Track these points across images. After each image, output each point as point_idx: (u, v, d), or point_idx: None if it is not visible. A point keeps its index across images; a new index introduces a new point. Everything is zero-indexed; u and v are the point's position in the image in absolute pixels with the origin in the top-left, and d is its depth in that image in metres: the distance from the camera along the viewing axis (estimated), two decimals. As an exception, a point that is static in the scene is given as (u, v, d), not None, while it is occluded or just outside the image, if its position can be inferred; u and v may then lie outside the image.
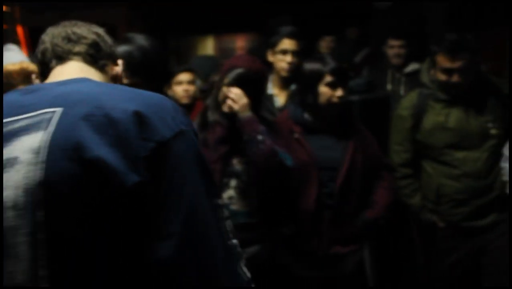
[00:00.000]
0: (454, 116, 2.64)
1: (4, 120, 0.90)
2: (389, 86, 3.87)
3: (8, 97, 0.97)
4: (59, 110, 0.88)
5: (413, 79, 3.83)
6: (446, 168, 2.70)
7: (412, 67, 3.91)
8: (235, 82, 2.25)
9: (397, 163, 2.90)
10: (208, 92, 2.85)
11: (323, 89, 2.43)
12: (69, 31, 1.14)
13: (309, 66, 2.51)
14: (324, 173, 2.44)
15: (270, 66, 2.98)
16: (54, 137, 0.86)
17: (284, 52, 2.91)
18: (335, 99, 2.43)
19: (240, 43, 7.98)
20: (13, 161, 0.86)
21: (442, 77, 2.62)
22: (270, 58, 2.98)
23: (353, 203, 2.48)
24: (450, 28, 4.40)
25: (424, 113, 2.75)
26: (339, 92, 2.43)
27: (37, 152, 0.85)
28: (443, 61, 2.59)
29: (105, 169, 0.82)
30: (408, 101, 2.88)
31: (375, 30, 4.74)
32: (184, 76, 3.35)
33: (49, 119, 0.87)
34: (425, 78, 2.81)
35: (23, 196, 0.84)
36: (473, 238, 2.71)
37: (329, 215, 2.43)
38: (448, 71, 2.59)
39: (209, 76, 3.65)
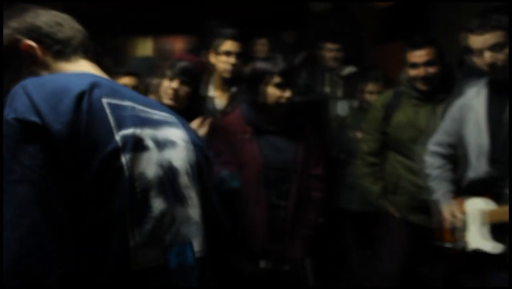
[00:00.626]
0: (423, 114, 2.80)
1: (134, 105, 1.12)
2: (327, 89, 3.96)
3: (104, 81, 1.10)
4: (171, 117, 1.24)
5: (350, 82, 3.96)
6: (408, 161, 2.85)
7: (348, 70, 4.02)
8: (179, 75, 2.25)
9: (364, 151, 3.11)
10: (142, 93, 2.82)
11: (272, 90, 2.45)
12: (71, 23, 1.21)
13: (259, 66, 2.52)
14: (274, 173, 2.47)
15: (206, 68, 3.00)
16: (189, 134, 1.24)
17: (228, 53, 2.92)
18: (283, 100, 2.46)
19: (179, 45, 7.90)
20: (173, 143, 1.17)
21: (411, 73, 2.80)
22: (212, 59, 2.97)
23: (303, 203, 2.53)
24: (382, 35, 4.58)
25: (396, 108, 2.93)
26: (287, 94, 2.45)
27: (187, 141, 1.22)
28: (410, 56, 2.78)
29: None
30: (384, 97, 3.07)
31: (312, 34, 4.84)
32: (124, 81, 3.27)
33: (176, 122, 1.23)
34: (402, 77, 2.96)
35: (190, 168, 1.19)
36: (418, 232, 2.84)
37: (279, 215, 2.48)
38: (414, 66, 2.76)
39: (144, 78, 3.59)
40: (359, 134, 3.59)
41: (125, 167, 1.01)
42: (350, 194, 3.64)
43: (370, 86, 3.58)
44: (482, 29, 2.06)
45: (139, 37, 8.08)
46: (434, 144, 2.54)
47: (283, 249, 2.48)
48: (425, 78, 2.75)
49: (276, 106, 2.47)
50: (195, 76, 2.27)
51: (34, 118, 0.93)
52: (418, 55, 2.74)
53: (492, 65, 2.08)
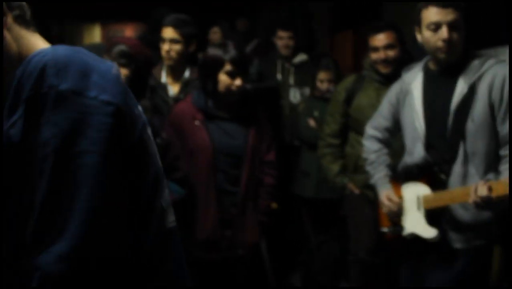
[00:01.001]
0: (384, 96, 2.84)
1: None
2: (278, 76, 3.98)
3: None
4: None
5: (302, 70, 4.00)
6: None
7: (300, 58, 4.06)
8: (116, 58, 2.21)
9: (326, 133, 3.18)
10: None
11: (223, 77, 2.46)
12: None
13: (211, 53, 2.52)
14: (225, 159, 2.49)
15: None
16: None
17: (167, 40, 2.90)
18: (234, 88, 2.46)
19: (129, 32, 7.76)
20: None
21: (372, 56, 2.87)
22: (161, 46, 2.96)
23: (254, 188, 2.56)
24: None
25: (359, 91, 3.00)
26: (238, 82, 2.46)
27: None
28: (371, 41, 2.85)
29: None
30: (346, 81, 3.13)
31: (264, 22, 4.86)
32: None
33: None
34: (365, 61, 3.03)
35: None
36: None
37: (230, 200, 2.50)
38: (375, 50, 2.83)
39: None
40: (311, 122, 3.65)
41: (151, 138, 1.07)
42: (304, 180, 3.70)
43: (322, 75, 3.62)
44: (379, 31, 2.10)
45: (87, 24, 7.89)
46: (372, 128, 2.54)
47: (235, 234, 2.50)
48: (385, 61, 2.82)
49: (227, 94, 2.48)
50: (133, 58, 2.22)
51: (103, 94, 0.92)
52: (378, 39, 2.81)
53: (449, 42, 2.05)
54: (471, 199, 1.95)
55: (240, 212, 2.50)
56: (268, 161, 2.64)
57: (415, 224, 2.24)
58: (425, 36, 2.10)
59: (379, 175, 2.44)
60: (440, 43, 2.06)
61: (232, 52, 2.45)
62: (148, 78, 2.46)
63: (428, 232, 2.19)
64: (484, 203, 1.93)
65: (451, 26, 2.03)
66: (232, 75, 2.45)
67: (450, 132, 2.12)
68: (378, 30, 2.84)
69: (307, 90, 3.89)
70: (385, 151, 2.49)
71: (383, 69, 2.87)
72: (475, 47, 3.32)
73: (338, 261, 3.65)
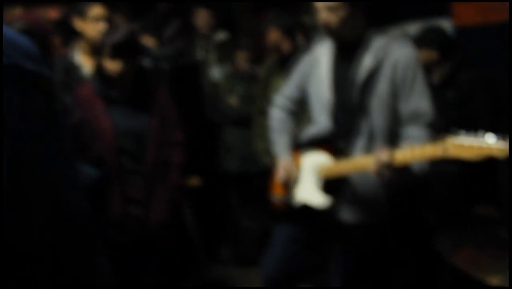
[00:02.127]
0: None
1: None
2: (199, 55, 4.02)
3: None
4: None
5: (222, 48, 4.05)
6: None
7: (221, 36, 4.11)
8: None
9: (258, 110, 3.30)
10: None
11: (106, 62, 2.44)
12: None
13: (100, 38, 2.50)
14: (128, 141, 2.49)
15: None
16: None
17: (96, 19, 2.86)
18: (116, 73, 2.42)
19: (53, 14, 7.50)
20: None
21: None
22: (79, 25, 2.91)
23: (161, 168, 2.59)
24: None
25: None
26: (118, 65, 2.41)
27: None
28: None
29: None
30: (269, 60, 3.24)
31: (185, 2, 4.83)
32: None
33: None
34: None
35: None
36: None
37: (136, 182, 2.52)
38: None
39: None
40: (233, 99, 3.72)
41: None
42: (227, 156, 3.79)
43: (240, 54, 3.70)
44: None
45: (7, 6, 7.57)
46: (280, 96, 2.52)
47: (144, 214, 2.54)
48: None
49: (117, 78, 2.45)
50: (33, 35, 2.17)
51: None
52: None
53: (327, 25, 2.10)
54: (373, 165, 1.94)
55: (147, 193, 2.53)
56: (175, 140, 2.65)
57: (307, 192, 2.25)
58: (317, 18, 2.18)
59: (281, 143, 2.43)
60: (322, 27, 2.15)
61: (113, 36, 2.41)
62: (48, 55, 2.42)
63: (318, 200, 2.21)
64: (386, 170, 1.91)
65: (329, 9, 2.09)
66: (113, 58, 2.41)
67: (354, 107, 2.16)
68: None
69: (228, 68, 3.95)
70: (290, 119, 2.48)
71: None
72: (384, 22, 3.49)
73: (265, 234, 3.77)
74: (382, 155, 1.92)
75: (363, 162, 2.04)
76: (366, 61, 2.14)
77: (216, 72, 4.02)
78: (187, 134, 2.81)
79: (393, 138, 2.15)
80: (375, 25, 2.27)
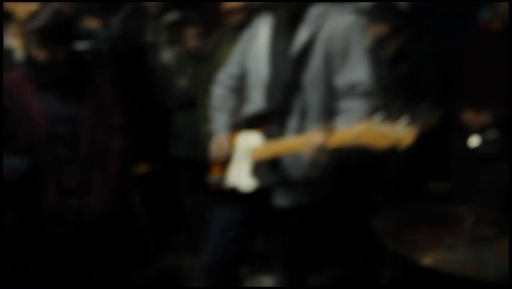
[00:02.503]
0: None
1: None
2: (149, 37, 3.88)
3: None
4: None
5: (173, 28, 3.91)
6: None
7: (171, 16, 3.96)
8: None
9: None
10: None
11: (32, 48, 2.33)
12: None
13: (27, 19, 2.37)
14: (63, 127, 2.39)
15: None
16: None
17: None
18: (43, 59, 2.31)
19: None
20: None
21: None
22: (9, 5, 2.77)
23: (99, 154, 2.48)
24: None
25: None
26: (45, 52, 2.30)
27: None
28: None
29: None
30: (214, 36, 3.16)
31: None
32: None
33: None
34: None
35: None
36: None
37: (74, 169, 2.42)
38: None
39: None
40: (182, 81, 3.60)
41: None
42: (177, 140, 3.68)
43: (189, 31, 3.56)
44: None
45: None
46: (222, 74, 2.43)
47: (82, 203, 2.43)
48: None
49: (49, 62, 2.33)
50: None
51: None
52: None
53: None
54: (305, 148, 1.85)
55: (85, 181, 2.42)
56: (113, 124, 2.55)
57: (239, 175, 2.17)
58: None
59: (220, 122, 2.34)
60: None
61: (37, 20, 2.28)
62: None
63: (247, 184, 2.12)
64: (318, 152, 1.82)
65: None
66: (40, 46, 2.29)
67: (287, 83, 2.07)
68: None
69: (179, 49, 3.81)
70: (231, 98, 2.38)
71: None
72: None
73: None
74: (315, 137, 1.82)
75: (295, 144, 1.95)
76: (301, 34, 2.04)
77: (167, 54, 3.88)
78: (133, 119, 2.71)
79: (327, 116, 2.05)
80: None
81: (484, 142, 2.91)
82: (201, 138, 3.46)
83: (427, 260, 1.72)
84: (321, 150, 1.81)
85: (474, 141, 2.94)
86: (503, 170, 2.89)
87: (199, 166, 3.60)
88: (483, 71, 2.92)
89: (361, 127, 1.65)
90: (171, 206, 4.00)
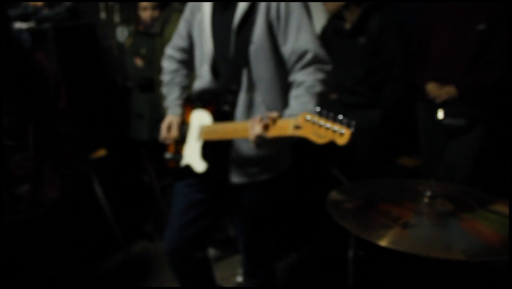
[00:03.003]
0: None
1: None
2: (102, 15, 3.71)
3: None
4: None
5: (127, 6, 3.75)
6: None
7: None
8: None
9: None
10: None
11: None
12: None
13: None
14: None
15: None
16: None
17: None
18: None
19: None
20: None
21: None
22: None
23: (47, 141, 2.35)
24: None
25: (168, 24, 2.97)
26: None
27: None
28: None
29: None
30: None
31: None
32: None
33: None
34: None
35: None
36: None
37: (20, 157, 2.27)
38: None
39: None
40: (137, 61, 3.45)
41: None
42: (138, 123, 3.54)
43: (142, 9, 3.39)
44: None
45: None
46: (170, 48, 2.31)
47: (34, 191, 2.30)
48: None
49: None
50: None
51: None
52: None
53: None
54: (249, 135, 1.76)
55: (34, 169, 2.28)
56: (59, 109, 2.40)
57: (192, 154, 2.09)
58: None
59: (171, 97, 2.23)
60: None
61: None
62: None
63: (199, 165, 2.05)
64: (260, 141, 1.73)
65: None
66: None
67: (232, 57, 1.96)
68: None
69: (132, 28, 3.66)
70: (182, 72, 2.28)
71: None
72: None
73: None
74: (256, 126, 1.71)
75: (240, 128, 1.83)
76: (241, 5, 1.93)
77: (122, 33, 3.72)
78: (86, 102, 2.57)
79: (279, 88, 1.97)
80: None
81: (449, 115, 2.83)
82: (161, 119, 3.34)
83: (384, 241, 1.63)
84: (260, 138, 1.71)
85: (440, 114, 2.86)
86: (468, 143, 2.82)
87: (160, 148, 3.51)
88: (445, 43, 2.83)
89: (300, 120, 1.55)
90: (137, 192, 3.89)
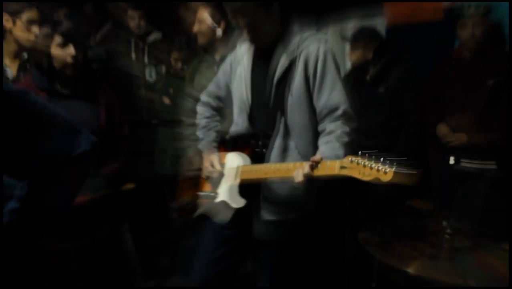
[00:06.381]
0: None
1: None
2: (133, 56, 3.94)
3: None
4: None
5: (156, 48, 3.98)
6: None
7: (154, 36, 4.03)
8: None
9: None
10: None
11: (55, 52, 2.45)
12: None
13: (42, 29, 2.51)
14: None
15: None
16: None
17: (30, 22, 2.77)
18: (69, 60, 2.45)
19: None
20: None
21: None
22: (9, 26, 2.79)
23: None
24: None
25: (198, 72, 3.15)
26: (70, 51, 2.44)
27: None
28: None
29: None
30: (194, 61, 3.30)
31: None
32: None
33: None
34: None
35: None
36: None
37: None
38: None
39: None
40: (166, 99, 3.68)
41: None
42: (162, 158, 3.72)
43: (175, 54, 3.68)
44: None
45: None
46: (206, 95, 2.53)
47: None
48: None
49: (64, 68, 2.46)
50: None
51: None
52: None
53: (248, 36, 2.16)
54: (292, 174, 1.94)
55: None
56: (122, 135, 2.67)
57: (228, 192, 2.24)
58: None
59: (207, 140, 2.45)
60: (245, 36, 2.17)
61: (62, 24, 2.44)
62: None
63: (237, 202, 2.20)
64: (306, 180, 1.91)
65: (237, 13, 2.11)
66: (62, 45, 2.44)
67: (271, 106, 2.18)
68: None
69: (163, 68, 3.89)
70: (217, 118, 2.51)
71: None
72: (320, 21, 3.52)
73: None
74: (303, 167, 1.91)
75: (283, 169, 2.02)
76: (281, 60, 2.16)
77: (151, 73, 3.95)
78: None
79: (310, 136, 2.18)
80: (310, 24, 2.26)
81: (461, 161, 3.03)
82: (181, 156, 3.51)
83: (412, 268, 1.82)
84: (308, 178, 1.91)
85: (451, 160, 3.05)
86: (480, 188, 3.00)
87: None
88: (456, 96, 3.07)
89: (346, 161, 1.77)
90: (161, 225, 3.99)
